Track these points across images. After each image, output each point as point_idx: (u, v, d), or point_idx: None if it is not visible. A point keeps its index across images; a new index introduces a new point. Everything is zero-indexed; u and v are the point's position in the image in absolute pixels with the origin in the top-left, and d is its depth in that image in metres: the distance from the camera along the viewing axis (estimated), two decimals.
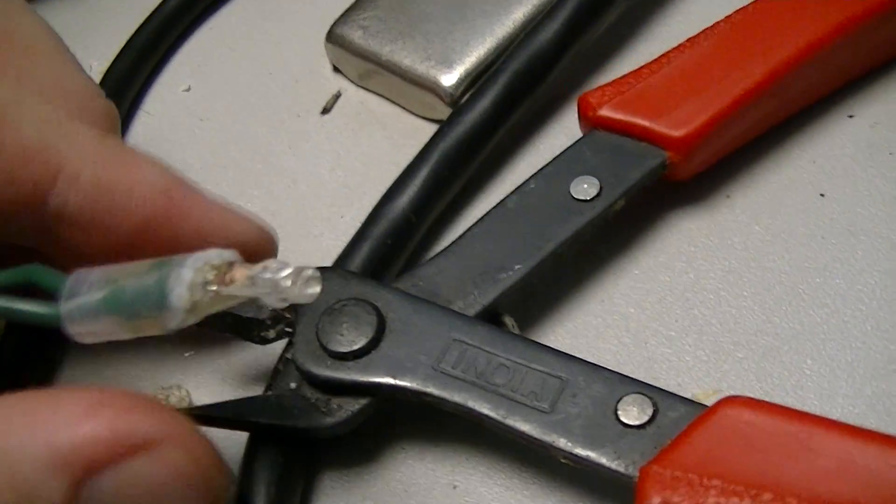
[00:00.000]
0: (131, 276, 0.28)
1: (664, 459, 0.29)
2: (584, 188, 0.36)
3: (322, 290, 0.32)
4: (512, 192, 0.36)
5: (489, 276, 0.34)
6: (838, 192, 0.38)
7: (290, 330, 0.34)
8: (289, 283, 0.28)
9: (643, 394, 0.31)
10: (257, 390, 0.35)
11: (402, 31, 0.42)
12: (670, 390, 0.31)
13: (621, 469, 0.30)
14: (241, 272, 0.28)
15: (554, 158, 0.37)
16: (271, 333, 0.34)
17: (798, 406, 0.33)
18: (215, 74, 0.45)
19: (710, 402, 0.31)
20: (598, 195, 0.35)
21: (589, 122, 0.37)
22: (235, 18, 0.47)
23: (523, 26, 0.41)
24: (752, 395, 0.33)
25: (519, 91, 0.39)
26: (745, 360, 0.35)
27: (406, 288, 0.34)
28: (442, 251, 0.35)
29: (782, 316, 0.35)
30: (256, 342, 0.35)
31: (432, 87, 0.41)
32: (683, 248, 0.37)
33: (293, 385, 0.33)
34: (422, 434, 0.35)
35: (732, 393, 0.33)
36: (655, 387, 0.31)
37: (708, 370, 0.35)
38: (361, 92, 0.44)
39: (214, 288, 0.28)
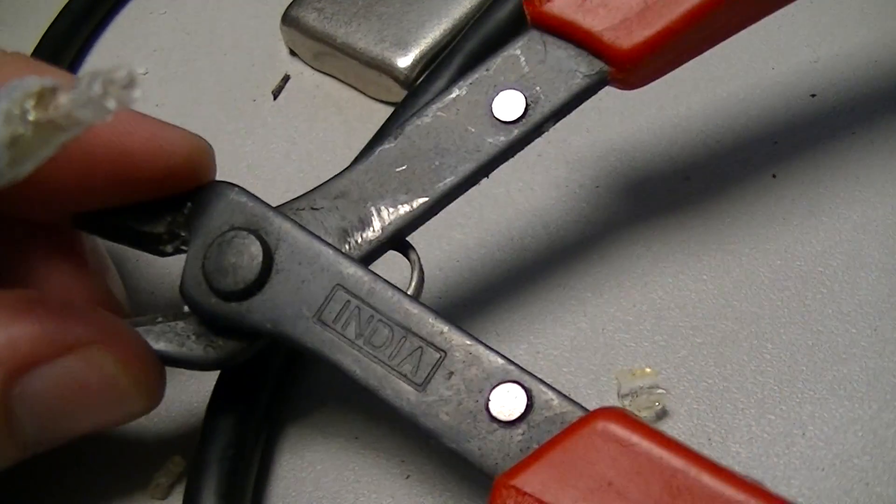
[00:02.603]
0: None
1: (520, 473, 0.27)
2: (507, 106, 0.32)
3: (216, 211, 0.32)
4: (430, 102, 0.33)
5: (392, 198, 0.32)
6: (797, 173, 0.37)
7: (185, 248, 0.32)
8: (101, 91, 0.25)
9: (520, 384, 0.29)
10: None
11: (357, 13, 0.41)
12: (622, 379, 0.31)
13: (483, 469, 0.28)
14: (64, 97, 0.24)
15: (484, 62, 0.33)
16: (168, 248, 0.33)
17: (758, 392, 0.33)
18: (172, 59, 0.45)
19: (641, 382, 0.30)
20: (521, 116, 0.32)
21: (532, 17, 0.33)
22: (192, 2, 0.47)
23: (478, 7, 0.40)
24: (710, 381, 0.33)
25: None
26: (703, 344, 0.34)
27: (302, 214, 0.32)
28: (349, 167, 0.33)
29: (742, 299, 0.35)
30: (156, 254, 0.33)
31: (387, 70, 0.40)
32: (641, 231, 0.37)
33: (186, 309, 0.32)
34: (375, 422, 0.34)
35: (665, 372, 0.33)
36: (535, 376, 0.29)
37: (666, 355, 0.34)
38: (317, 75, 0.43)
39: (33, 117, 0.24)
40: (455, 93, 0.33)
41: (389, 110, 0.39)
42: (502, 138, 0.32)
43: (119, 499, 0.34)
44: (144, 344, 0.31)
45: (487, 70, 0.33)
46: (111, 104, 0.24)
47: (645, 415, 0.33)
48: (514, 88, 0.32)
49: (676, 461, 0.26)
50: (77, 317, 0.29)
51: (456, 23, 0.40)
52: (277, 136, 0.41)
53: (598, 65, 0.32)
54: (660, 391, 0.33)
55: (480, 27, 0.39)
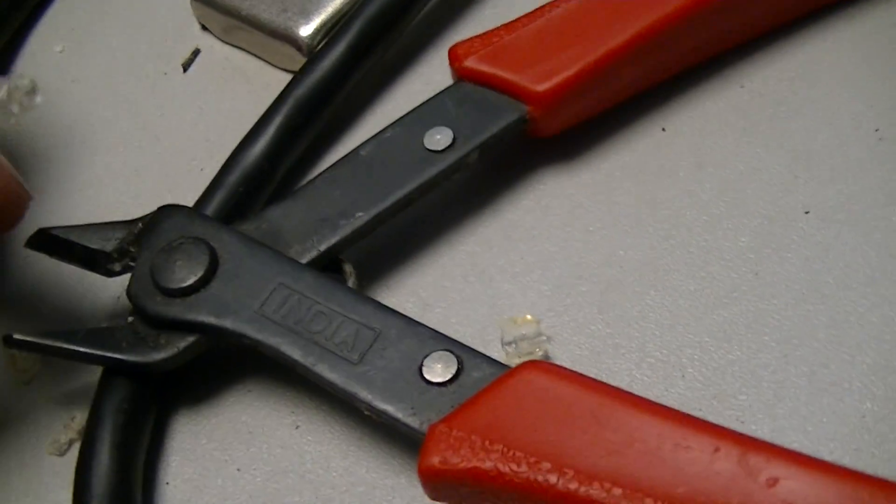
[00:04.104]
0: None
1: (453, 420, 0.29)
2: (437, 139, 0.35)
3: (165, 227, 0.34)
4: (367, 140, 0.36)
5: (331, 221, 0.34)
6: (684, 125, 0.38)
7: (133, 264, 0.34)
8: (5, 97, 0.27)
9: (451, 351, 0.30)
10: None
11: None
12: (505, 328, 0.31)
13: (414, 425, 0.30)
14: None
15: (415, 108, 0.37)
16: (117, 266, 0.35)
17: (640, 337, 0.34)
18: (88, 35, 0.45)
19: (523, 330, 0.31)
20: (450, 146, 0.35)
21: (456, 72, 0.37)
22: None
23: None
24: (593, 327, 0.34)
25: (373, 38, 0.39)
26: (588, 292, 0.35)
27: (248, 230, 0.34)
28: (290, 194, 0.36)
29: (627, 249, 0.35)
30: (103, 274, 0.35)
31: (290, 39, 0.41)
32: (532, 186, 0.37)
33: (130, 319, 0.34)
34: (266, 374, 0.35)
35: (549, 320, 0.34)
36: (465, 346, 0.31)
37: (551, 304, 0.35)
38: (227, 48, 0.44)
39: None
40: (389, 132, 0.36)
41: None
42: (433, 166, 0.35)
43: (18, 456, 0.35)
44: None
45: (419, 112, 0.36)
46: (15, 108, 0.27)
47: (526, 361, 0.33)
48: (443, 125, 0.36)
49: (599, 396, 0.28)
50: None
51: None
52: (187, 108, 0.42)
53: (519, 105, 0.36)
54: (541, 338, 0.33)
55: None
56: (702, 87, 0.38)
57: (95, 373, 0.35)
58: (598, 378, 0.29)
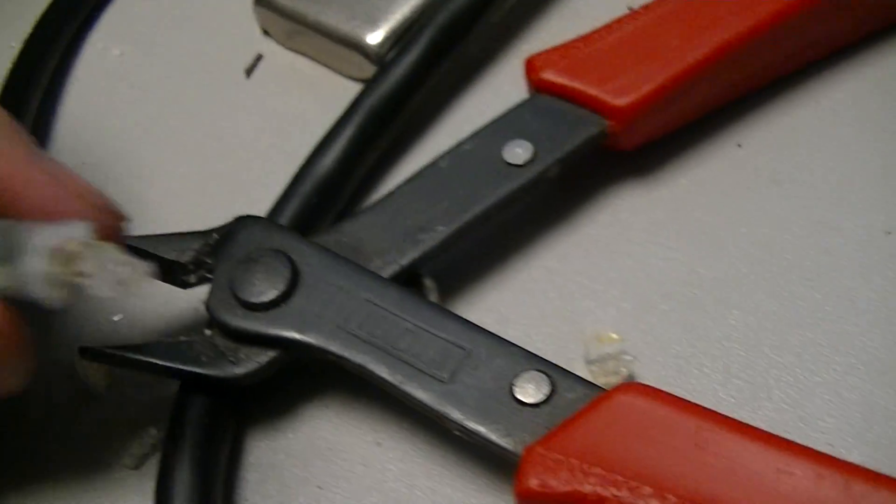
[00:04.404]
0: None
1: (550, 441, 0.29)
2: (518, 152, 0.35)
3: (243, 238, 0.33)
4: (445, 152, 0.36)
5: (411, 235, 0.34)
6: (760, 142, 0.38)
7: (210, 276, 0.34)
8: (126, 276, 0.29)
9: (543, 372, 0.30)
10: None
11: None
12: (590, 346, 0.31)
13: (509, 447, 0.29)
14: (88, 264, 0.29)
15: (492, 120, 0.36)
16: (192, 278, 0.34)
17: (724, 358, 0.33)
18: (146, 40, 0.45)
19: (608, 349, 0.31)
20: (531, 160, 0.35)
21: (533, 84, 0.37)
22: None
23: None
24: (677, 347, 0.34)
25: (444, 47, 0.39)
26: (669, 311, 0.35)
27: (327, 243, 0.34)
28: (368, 207, 0.35)
29: (707, 267, 0.35)
30: (178, 286, 0.35)
31: (358, 46, 0.40)
32: (610, 201, 0.37)
33: (207, 332, 0.33)
34: (345, 390, 0.35)
35: (632, 339, 0.34)
36: (556, 365, 0.31)
37: (633, 322, 0.35)
38: (290, 54, 0.43)
39: (62, 277, 0.29)
40: (467, 145, 0.35)
41: (361, 87, 0.39)
42: (514, 180, 0.35)
43: (94, 469, 0.34)
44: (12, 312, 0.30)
45: (496, 125, 0.36)
46: (122, 288, 0.29)
47: (611, 380, 0.33)
48: (523, 138, 0.35)
49: (698, 419, 0.28)
50: None
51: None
52: (251, 115, 0.42)
53: (598, 119, 0.35)
54: (626, 357, 0.33)
55: (450, 2, 0.39)
56: (776, 103, 0.38)
57: (167, 385, 0.35)
58: (685, 398, 0.29)
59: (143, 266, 0.29)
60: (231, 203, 0.39)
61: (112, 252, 0.29)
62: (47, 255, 0.28)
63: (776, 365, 0.33)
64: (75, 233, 0.29)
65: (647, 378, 0.33)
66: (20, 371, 0.30)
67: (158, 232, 0.35)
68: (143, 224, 0.38)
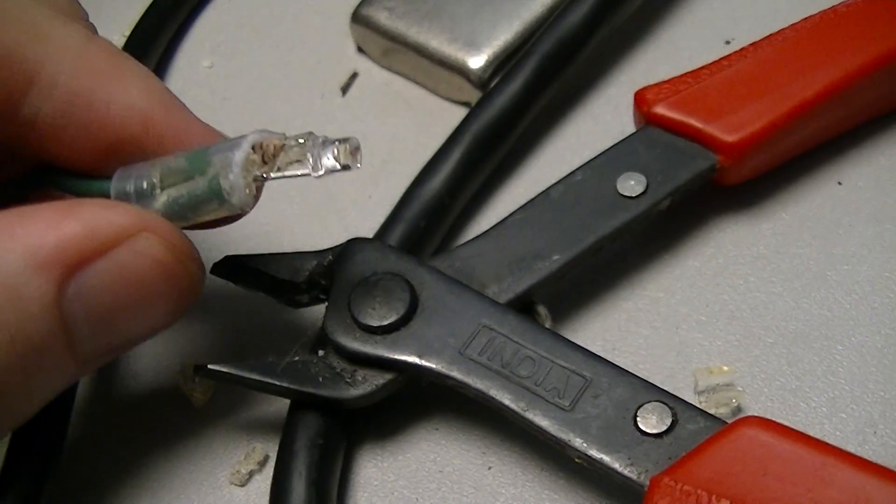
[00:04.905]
0: (177, 176, 0.30)
1: (676, 472, 0.29)
2: (631, 184, 0.36)
3: (359, 260, 0.34)
4: (558, 182, 0.36)
5: (526, 263, 0.34)
6: (860, 180, 0.38)
7: (323, 297, 0.34)
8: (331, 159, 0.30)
9: (664, 403, 0.31)
10: None
11: (429, 12, 0.42)
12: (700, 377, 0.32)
13: (633, 476, 0.30)
14: (284, 157, 0.30)
15: (604, 151, 0.37)
16: (305, 298, 0.35)
17: (830, 391, 0.34)
18: (238, 53, 0.45)
19: (719, 379, 0.31)
20: (644, 192, 0.35)
21: (643, 117, 0.37)
22: None
23: (550, 10, 0.41)
24: (783, 380, 0.34)
25: (549, 74, 0.39)
26: (775, 344, 0.35)
27: (442, 267, 0.34)
28: (482, 234, 0.36)
29: (811, 302, 0.36)
30: (290, 305, 0.35)
31: (460, 69, 0.41)
32: (712, 233, 0.38)
33: (321, 353, 0.34)
34: (455, 413, 0.35)
35: (739, 371, 0.34)
36: (678, 397, 0.31)
37: (739, 354, 0.35)
38: (386, 73, 0.43)
39: (264, 176, 0.30)
40: (579, 175, 0.36)
41: (459, 109, 0.40)
42: (626, 212, 0.35)
43: (199, 485, 0.35)
44: (180, 230, 0.31)
45: (608, 156, 0.36)
46: (336, 164, 0.30)
47: (721, 411, 0.33)
48: (635, 171, 0.36)
49: (822, 454, 0.28)
50: (117, 210, 0.29)
51: (528, 25, 0.41)
52: (346, 132, 0.42)
53: (708, 154, 0.36)
54: (737, 389, 0.34)
55: (555, 30, 0.39)
56: (876, 141, 0.39)
57: (271, 401, 0.35)
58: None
59: (351, 140, 0.31)
60: (329, 223, 0.39)
61: (311, 138, 0.30)
62: (245, 155, 0.30)
63: (881, 400, 0.34)
64: (265, 135, 0.30)
65: (755, 410, 0.34)
66: (196, 291, 0.31)
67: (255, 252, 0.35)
68: (238, 242, 0.39)
